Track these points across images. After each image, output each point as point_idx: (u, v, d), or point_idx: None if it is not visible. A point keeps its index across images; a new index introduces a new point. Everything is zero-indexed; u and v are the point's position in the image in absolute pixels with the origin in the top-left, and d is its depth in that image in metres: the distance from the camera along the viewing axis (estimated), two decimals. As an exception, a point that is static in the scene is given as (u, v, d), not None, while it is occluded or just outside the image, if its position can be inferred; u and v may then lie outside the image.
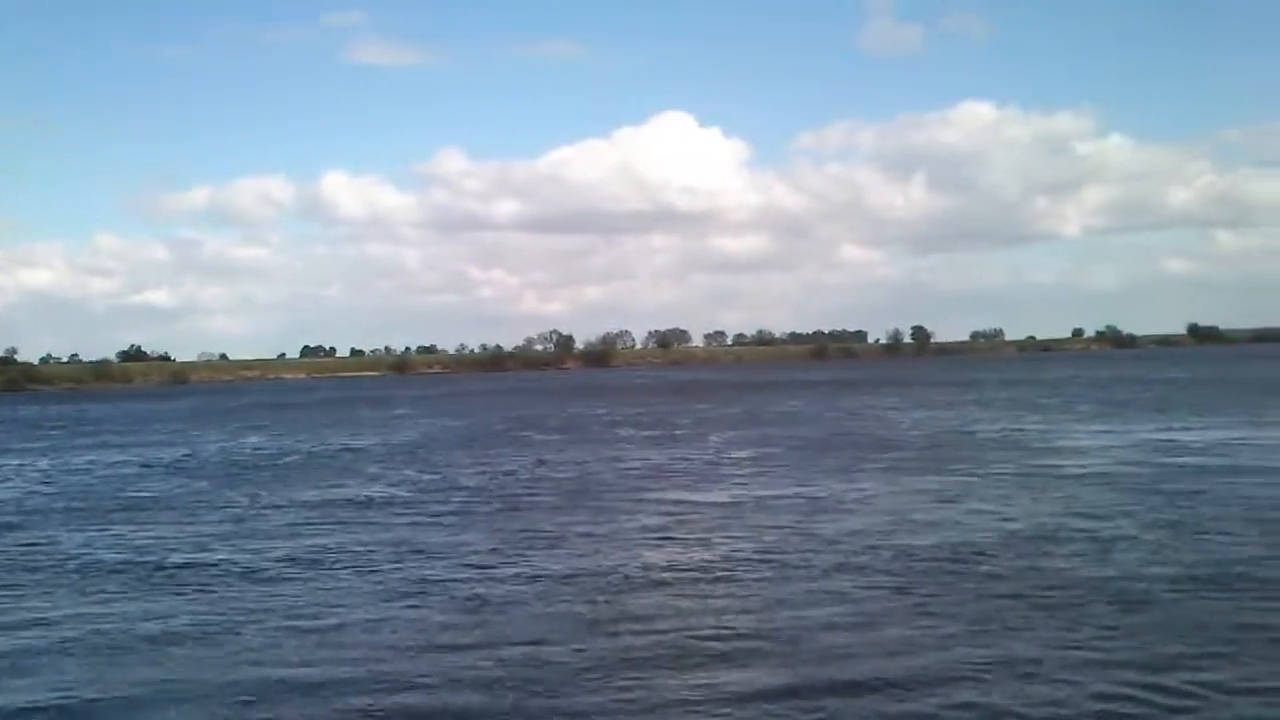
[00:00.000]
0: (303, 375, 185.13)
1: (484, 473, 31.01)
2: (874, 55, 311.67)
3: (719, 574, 16.11)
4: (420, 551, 18.71)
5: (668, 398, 78.10)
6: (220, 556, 18.71)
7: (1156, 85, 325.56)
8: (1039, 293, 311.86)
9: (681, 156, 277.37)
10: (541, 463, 33.28)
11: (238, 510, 24.57)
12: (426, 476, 30.41)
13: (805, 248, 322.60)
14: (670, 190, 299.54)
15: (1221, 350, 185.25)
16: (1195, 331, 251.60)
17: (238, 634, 13.46)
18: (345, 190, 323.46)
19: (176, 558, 18.73)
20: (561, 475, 29.75)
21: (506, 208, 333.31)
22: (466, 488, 27.58)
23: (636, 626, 13.25)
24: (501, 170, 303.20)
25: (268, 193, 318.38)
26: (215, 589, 16.10)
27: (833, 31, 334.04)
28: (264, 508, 24.84)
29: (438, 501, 25.14)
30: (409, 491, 27.14)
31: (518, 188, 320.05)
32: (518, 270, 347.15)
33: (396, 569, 17.21)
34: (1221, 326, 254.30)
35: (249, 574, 17.15)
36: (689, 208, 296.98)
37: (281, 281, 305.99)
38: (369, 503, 25.27)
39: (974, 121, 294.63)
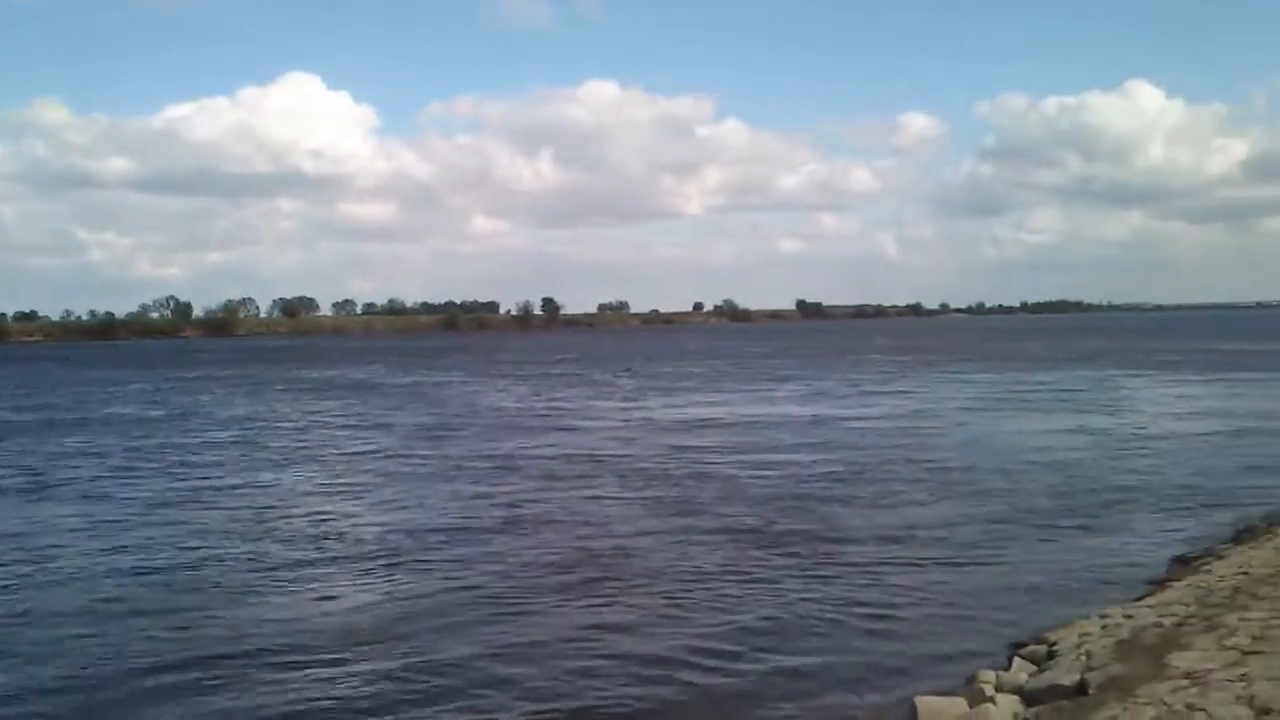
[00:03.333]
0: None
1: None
2: (502, 30, 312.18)
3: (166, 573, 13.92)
4: None
5: (213, 368, 73.37)
6: None
7: (768, 76, 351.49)
8: (663, 267, 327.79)
9: (308, 119, 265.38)
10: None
11: None
12: None
13: (436, 217, 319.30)
14: (297, 153, 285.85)
15: (820, 325, 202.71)
16: (803, 307, 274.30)
17: None
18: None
19: None
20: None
21: (117, 165, 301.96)
22: None
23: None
24: (110, 125, 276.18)
25: None
26: None
27: (462, 3, 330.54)
28: None
29: None
30: None
31: (129, 144, 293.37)
32: (131, 232, 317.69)
33: None
34: (825, 302, 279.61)
35: None
36: (316, 172, 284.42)
37: None
38: None
39: (599, 100, 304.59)
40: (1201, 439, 25.60)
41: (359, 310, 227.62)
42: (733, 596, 12.37)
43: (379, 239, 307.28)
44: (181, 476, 22.76)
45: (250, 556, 14.78)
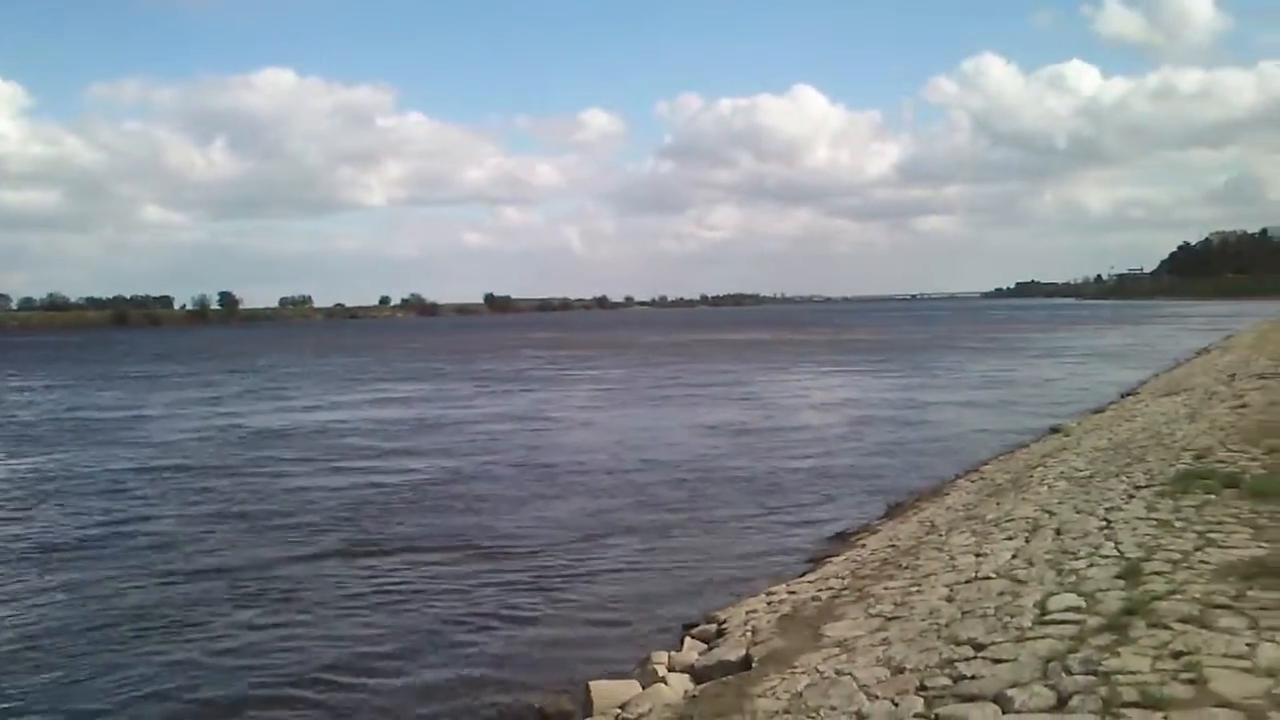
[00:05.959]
0: None
1: None
2: (164, 10, 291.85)
3: None
4: None
5: None
6: None
7: (450, 69, 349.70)
8: (347, 260, 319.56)
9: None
10: None
11: None
12: None
13: (103, 207, 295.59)
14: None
15: (502, 318, 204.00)
16: (491, 300, 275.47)
17: None
18: None
19: None
20: None
21: None
22: None
23: None
24: None
25: None
26: None
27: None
28: None
29: None
30: None
31: None
32: None
33: None
34: (514, 295, 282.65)
35: None
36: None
37: None
38: None
39: (276, 87, 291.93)
40: (845, 427, 27.43)
41: (14, 306, 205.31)
42: (378, 608, 11.77)
43: (36, 229, 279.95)
44: None
45: None
